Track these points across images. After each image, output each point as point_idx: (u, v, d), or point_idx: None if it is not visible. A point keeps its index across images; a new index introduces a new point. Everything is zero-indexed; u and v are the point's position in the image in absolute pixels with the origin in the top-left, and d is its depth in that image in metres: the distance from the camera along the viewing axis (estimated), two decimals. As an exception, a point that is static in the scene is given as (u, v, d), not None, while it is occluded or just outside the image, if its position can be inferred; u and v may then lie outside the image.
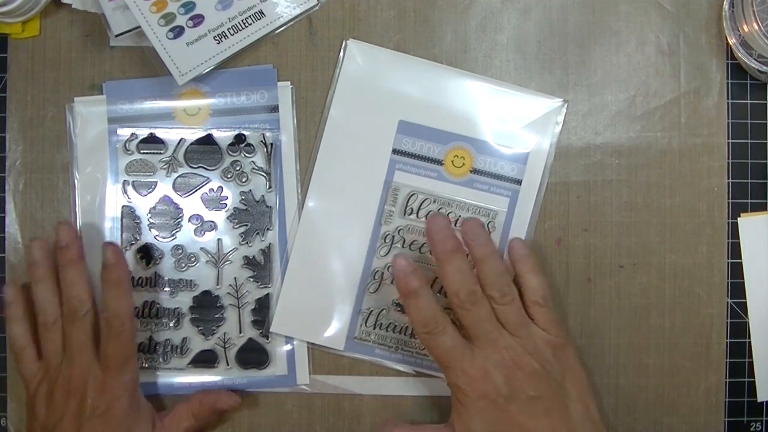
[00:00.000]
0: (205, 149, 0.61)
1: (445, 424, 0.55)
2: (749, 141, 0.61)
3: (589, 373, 0.60)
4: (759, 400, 0.60)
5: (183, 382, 0.61)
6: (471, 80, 0.60)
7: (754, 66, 0.58)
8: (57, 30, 0.61)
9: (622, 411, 0.61)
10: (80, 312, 0.56)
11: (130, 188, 0.61)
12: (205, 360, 0.61)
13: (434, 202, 0.60)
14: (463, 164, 0.60)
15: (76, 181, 0.61)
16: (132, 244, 0.61)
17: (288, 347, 0.61)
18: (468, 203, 0.60)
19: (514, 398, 0.52)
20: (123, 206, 0.61)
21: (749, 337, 0.60)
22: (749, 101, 0.61)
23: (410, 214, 0.60)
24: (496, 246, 0.58)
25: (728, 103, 0.61)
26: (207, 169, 0.61)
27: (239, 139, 0.61)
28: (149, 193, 0.61)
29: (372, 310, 0.61)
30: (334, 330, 0.60)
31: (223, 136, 0.61)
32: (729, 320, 0.61)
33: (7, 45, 0.61)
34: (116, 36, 0.59)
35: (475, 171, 0.60)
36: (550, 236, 0.61)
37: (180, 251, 0.61)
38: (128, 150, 0.61)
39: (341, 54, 0.61)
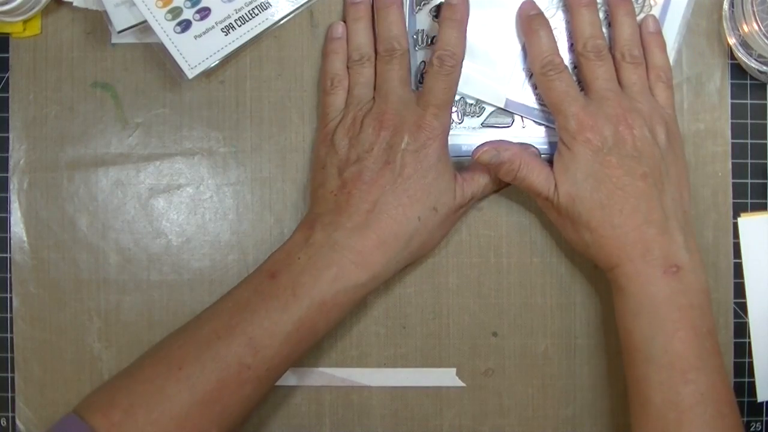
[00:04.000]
0: None
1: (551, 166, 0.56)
2: (749, 141, 0.61)
3: (590, 372, 0.61)
4: (759, 400, 0.60)
5: (476, 143, 0.59)
6: None
7: (754, 66, 0.59)
8: (58, 28, 0.61)
9: (623, 411, 0.60)
10: (399, 51, 0.57)
11: None
12: (500, 119, 0.61)
13: None
14: None
15: None
16: (425, 4, 0.60)
17: None
18: None
19: (615, 152, 0.53)
20: None
21: (749, 337, 0.60)
22: (749, 101, 0.61)
23: None
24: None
25: (728, 103, 0.61)
26: None
27: None
28: None
29: None
30: (494, 88, 0.60)
31: None
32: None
33: (9, 44, 0.61)
34: (118, 32, 0.59)
35: None
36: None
37: None
38: None
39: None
